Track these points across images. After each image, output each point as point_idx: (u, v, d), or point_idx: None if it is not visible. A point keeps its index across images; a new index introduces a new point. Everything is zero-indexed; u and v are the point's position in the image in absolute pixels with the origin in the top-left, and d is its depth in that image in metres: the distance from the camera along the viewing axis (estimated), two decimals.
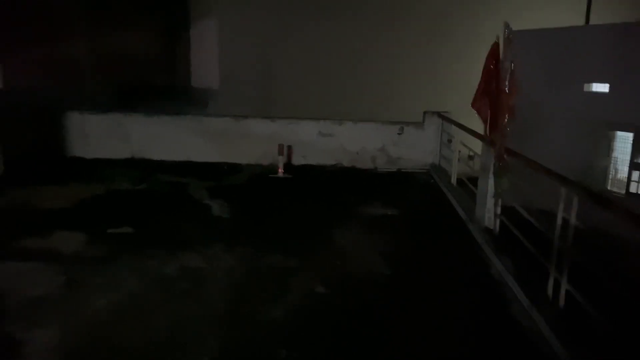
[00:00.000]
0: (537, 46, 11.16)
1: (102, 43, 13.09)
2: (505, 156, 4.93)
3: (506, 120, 4.75)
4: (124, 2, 14.10)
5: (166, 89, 14.10)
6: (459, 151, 7.49)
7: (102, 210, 6.46)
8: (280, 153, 8.46)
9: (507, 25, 4.69)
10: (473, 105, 5.12)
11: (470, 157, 7.02)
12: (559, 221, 3.77)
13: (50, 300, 4.10)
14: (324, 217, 6.49)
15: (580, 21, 13.79)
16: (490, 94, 4.86)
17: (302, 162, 9.10)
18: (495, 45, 4.81)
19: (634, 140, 9.93)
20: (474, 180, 6.31)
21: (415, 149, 9.13)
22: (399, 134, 9.10)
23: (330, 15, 12.82)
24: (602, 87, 10.65)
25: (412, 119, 9.24)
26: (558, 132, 10.68)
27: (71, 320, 3.81)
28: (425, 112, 9.13)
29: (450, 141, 8.27)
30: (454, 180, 7.60)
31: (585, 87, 10.93)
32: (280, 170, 8.43)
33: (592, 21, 13.52)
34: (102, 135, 9.16)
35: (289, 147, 8.96)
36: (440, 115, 8.83)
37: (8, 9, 9.22)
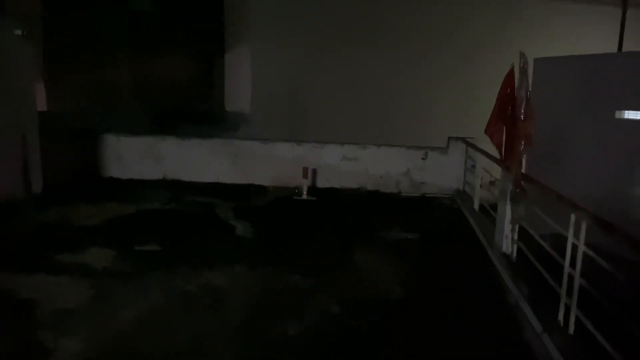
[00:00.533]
0: (569, 73, 11.10)
1: (140, 69, 13.70)
2: (522, 182, 4.99)
3: (522, 147, 4.82)
4: (162, 30, 14.73)
5: (200, 113, 14.58)
6: (482, 177, 7.53)
7: (132, 228, 6.74)
8: (305, 176, 8.66)
9: (522, 55, 4.80)
10: (486, 131, 5.22)
11: (492, 183, 7.06)
12: (569, 247, 3.81)
13: (79, 311, 4.34)
14: (345, 239, 6.60)
15: (613, 48, 13.68)
16: (505, 121, 4.95)
17: (327, 185, 9.28)
18: (510, 72, 4.91)
19: None
20: (496, 206, 6.35)
21: (440, 174, 9.19)
22: (423, 159, 9.19)
23: (359, 43, 13.09)
24: (635, 115, 10.49)
25: (436, 144, 9.33)
26: (591, 160, 10.51)
27: (97, 331, 4.04)
28: (449, 138, 9.22)
29: (474, 167, 8.32)
30: (476, 206, 7.63)
31: (617, 115, 10.79)
32: (305, 193, 8.61)
33: (625, 48, 13.40)
34: (136, 157, 9.55)
35: (314, 170, 9.16)
36: (464, 141, 8.90)
37: (53, 37, 9.83)
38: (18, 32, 7.04)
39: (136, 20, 14.03)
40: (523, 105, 4.73)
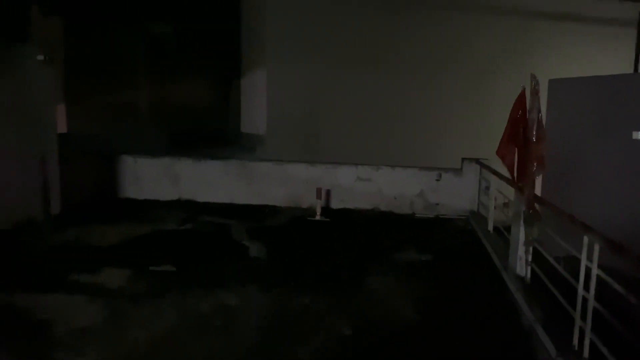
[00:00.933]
0: (584, 94, 11.06)
1: (158, 91, 13.98)
2: (535, 204, 4.98)
3: (534, 169, 4.82)
4: (179, 53, 15.04)
5: (216, 134, 14.78)
6: (495, 198, 7.50)
7: (148, 248, 6.83)
8: (319, 197, 8.70)
9: (534, 77, 4.83)
10: (498, 152, 5.23)
11: (506, 205, 7.03)
12: (582, 269, 3.78)
13: (94, 331, 4.41)
14: (359, 261, 6.60)
15: (629, 69, 13.62)
16: (517, 142, 4.96)
17: (340, 206, 9.30)
18: (522, 94, 4.94)
19: None
20: (510, 228, 6.31)
21: (454, 195, 9.17)
22: (437, 180, 9.18)
23: (373, 66, 13.23)
24: None
25: (450, 165, 9.33)
26: (607, 181, 10.39)
27: (112, 350, 4.10)
28: (463, 159, 9.21)
29: (487, 188, 8.28)
30: (490, 227, 7.58)
31: (634, 135, 10.68)
32: (318, 214, 8.64)
33: None
34: (152, 178, 9.70)
35: (328, 191, 9.21)
36: (478, 162, 8.89)
37: (74, 61, 10.09)
38: (40, 57, 7.27)
39: (154, 44, 14.37)
40: (535, 127, 4.74)
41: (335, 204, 9.33)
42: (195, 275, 5.80)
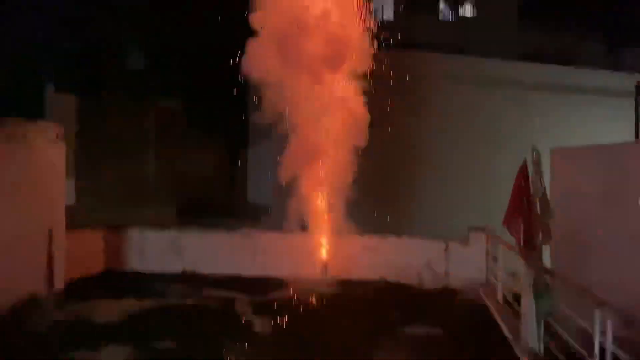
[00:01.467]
0: (588, 163, 11.13)
1: (166, 163, 14.24)
2: (544, 274, 4.90)
3: (540, 238, 4.79)
4: (189, 125, 15.45)
5: (223, 204, 14.88)
6: (504, 268, 7.38)
7: (150, 324, 6.68)
8: (324, 267, 8.60)
9: (534, 148, 4.90)
10: (504, 223, 5.21)
11: (514, 275, 6.90)
12: (596, 344, 3.65)
13: None
14: (366, 335, 6.42)
15: (629, 137, 13.80)
16: (522, 213, 4.96)
17: (347, 276, 9.13)
18: (524, 165, 4.99)
19: None
20: (520, 297, 6.17)
21: (462, 265, 9.03)
22: (444, 250, 9.09)
23: (376, 133, 13.46)
24: None
25: (457, 234, 9.26)
26: (619, 251, 10.22)
27: None
28: (470, 228, 9.15)
29: (496, 258, 8.18)
30: (500, 298, 7.41)
31: None
32: (325, 285, 8.50)
33: None
34: (158, 250, 9.65)
35: (334, 262, 9.09)
36: (485, 231, 8.83)
37: (86, 136, 10.39)
38: (52, 135, 7.46)
39: (163, 118, 14.82)
40: (538, 198, 4.76)
41: (341, 275, 9.18)
42: (198, 352, 5.65)
